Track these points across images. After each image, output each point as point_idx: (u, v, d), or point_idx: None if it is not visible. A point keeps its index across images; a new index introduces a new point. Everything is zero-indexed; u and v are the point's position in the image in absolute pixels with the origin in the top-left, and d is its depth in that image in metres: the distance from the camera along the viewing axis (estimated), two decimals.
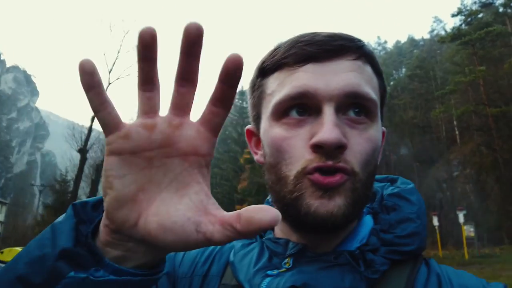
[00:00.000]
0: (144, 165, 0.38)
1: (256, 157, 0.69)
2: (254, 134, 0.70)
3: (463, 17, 31.37)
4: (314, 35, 0.60)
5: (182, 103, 0.38)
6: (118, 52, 32.68)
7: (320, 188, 0.55)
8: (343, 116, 0.57)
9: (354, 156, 0.56)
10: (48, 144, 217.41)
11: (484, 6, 34.53)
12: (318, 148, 0.54)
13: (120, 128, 0.38)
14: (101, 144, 31.46)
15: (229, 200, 57.13)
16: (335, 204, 0.54)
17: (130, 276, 0.40)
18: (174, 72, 0.37)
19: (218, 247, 0.72)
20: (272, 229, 0.68)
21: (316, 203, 0.54)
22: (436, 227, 20.73)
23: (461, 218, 19.59)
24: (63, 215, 0.47)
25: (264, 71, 0.63)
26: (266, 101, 0.63)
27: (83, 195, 30.03)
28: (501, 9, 33.02)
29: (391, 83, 48.29)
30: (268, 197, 0.73)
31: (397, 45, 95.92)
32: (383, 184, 0.72)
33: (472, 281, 0.58)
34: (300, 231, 0.61)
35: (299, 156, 0.56)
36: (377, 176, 0.69)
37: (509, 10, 32.15)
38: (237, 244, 0.69)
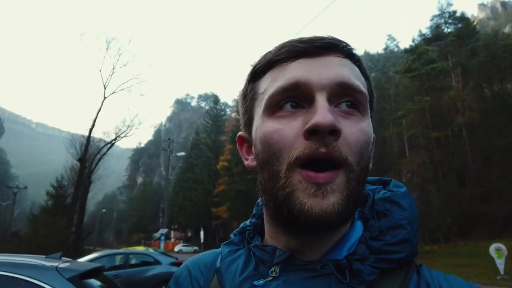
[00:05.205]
0: None
1: (246, 163, 0.66)
2: (245, 140, 0.67)
3: (414, 55, 37.53)
4: (303, 37, 0.60)
5: None
6: (113, 68, 35.76)
7: (312, 184, 0.51)
8: (335, 108, 0.55)
9: (348, 145, 0.53)
10: (2, 141, 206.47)
11: (432, 41, 41.04)
12: (312, 133, 0.51)
13: None
14: (98, 154, 34.61)
15: (203, 202, 60.39)
16: (329, 202, 0.51)
17: None
18: None
19: (211, 258, 0.72)
20: (261, 234, 0.66)
21: (309, 202, 0.51)
22: None
23: None
24: None
25: (256, 73, 0.62)
26: (258, 101, 0.61)
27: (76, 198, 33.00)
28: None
29: None
30: (258, 200, 0.73)
31: None
32: (375, 187, 0.68)
33: (463, 287, 0.54)
34: (292, 233, 0.58)
35: (291, 146, 0.53)
36: (369, 178, 0.68)
37: (451, 48, 38.80)
38: (224, 249, 0.67)
